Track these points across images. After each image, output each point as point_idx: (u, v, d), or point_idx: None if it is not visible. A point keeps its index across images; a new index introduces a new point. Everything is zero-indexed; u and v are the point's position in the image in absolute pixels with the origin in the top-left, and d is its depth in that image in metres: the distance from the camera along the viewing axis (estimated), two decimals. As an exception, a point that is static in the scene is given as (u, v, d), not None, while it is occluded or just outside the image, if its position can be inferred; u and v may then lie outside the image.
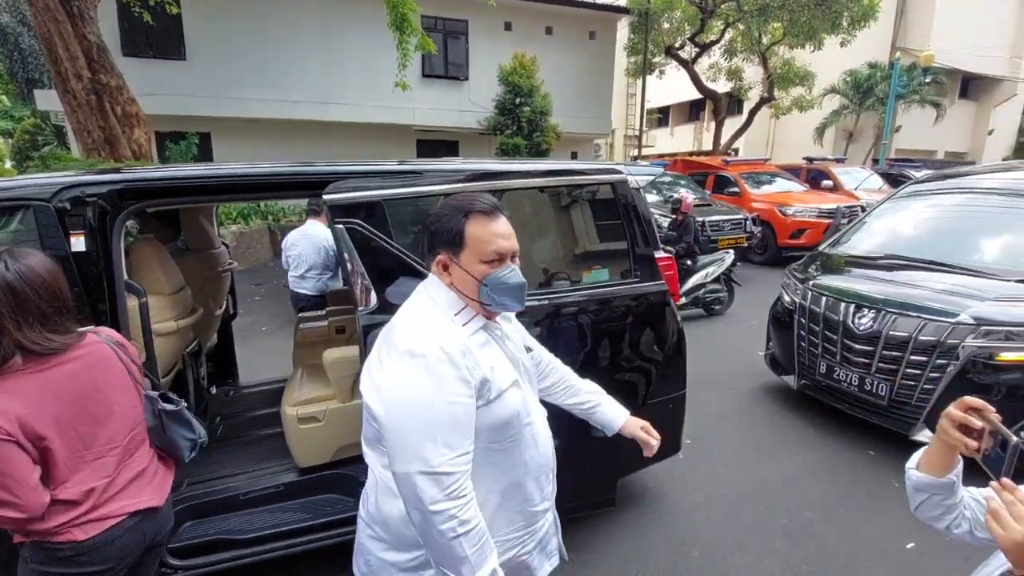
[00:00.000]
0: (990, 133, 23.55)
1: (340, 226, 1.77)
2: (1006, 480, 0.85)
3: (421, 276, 1.94)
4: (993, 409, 0.94)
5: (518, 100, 12.57)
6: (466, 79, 13.95)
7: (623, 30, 17.26)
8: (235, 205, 9.61)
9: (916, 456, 1.08)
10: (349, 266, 1.81)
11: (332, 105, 12.44)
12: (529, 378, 1.25)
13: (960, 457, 1.01)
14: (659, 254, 2.42)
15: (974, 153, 23.32)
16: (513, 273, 1.11)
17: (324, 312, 3.06)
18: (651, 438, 1.41)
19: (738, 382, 4.42)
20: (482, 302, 1.12)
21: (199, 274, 2.68)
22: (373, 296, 1.83)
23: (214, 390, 3.24)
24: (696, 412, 3.76)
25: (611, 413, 1.46)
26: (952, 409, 0.97)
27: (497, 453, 1.13)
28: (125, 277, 1.80)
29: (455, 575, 1.02)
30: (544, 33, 14.60)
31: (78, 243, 1.68)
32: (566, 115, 13.98)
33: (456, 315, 1.12)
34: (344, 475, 2.28)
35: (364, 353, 1.79)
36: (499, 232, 1.11)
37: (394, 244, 1.87)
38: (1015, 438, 0.88)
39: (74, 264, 1.67)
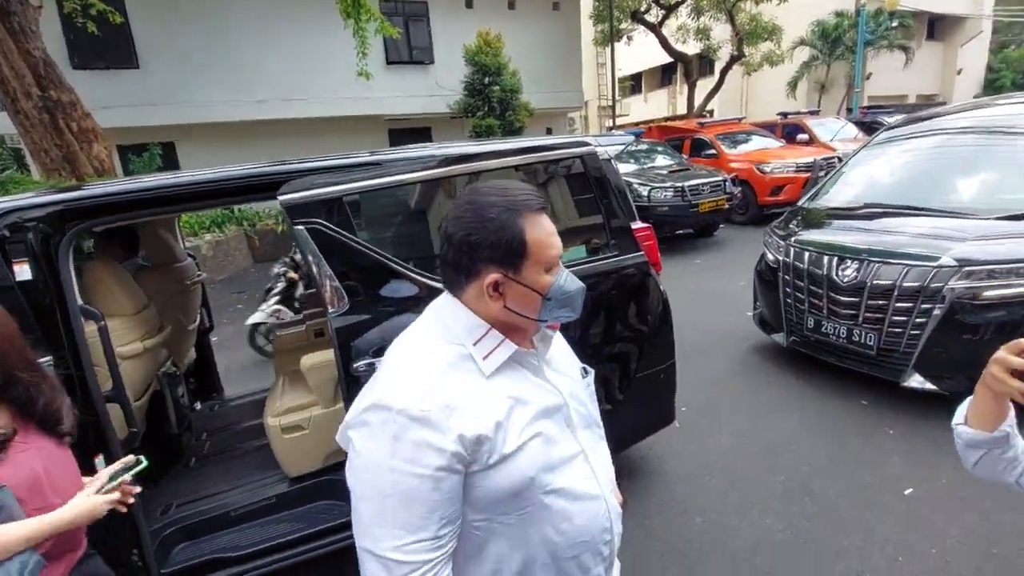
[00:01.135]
0: (959, 73, 23.66)
1: (300, 227, 1.69)
2: None
3: (393, 273, 1.90)
4: None
5: (487, 80, 12.35)
6: (432, 63, 13.66)
7: (587, -2, 16.97)
8: (206, 214, 9.40)
9: (961, 410, 0.98)
10: (315, 269, 1.73)
11: (296, 101, 12.15)
12: (580, 416, 0.96)
13: (1011, 405, 0.91)
14: (636, 225, 2.37)
15: (944, 94, 23.45)
16: (570, 276, 0.90)
17: (301, 316, 2.99)
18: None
19: (729, 344, 4.42)
20: (539, 320, 0.89)
21: (165, 290, 2.58)
22: (344, 298, 1.77)
23: (199, 406, 3.17)
24: (689, 378, 3.77)
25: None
26: (1005, 355, 0.87)
27: (505, 527, 0.86)
28: (79, 301, 1.71)
29: None
30: (507, 8, 14.32)
31: (22, 271, 1.58)
32: (537, 91, 13.77)
33: (476, 344, 0.85)
34: (337, 480, 2.23)
35: (339, 356, 1.73)
36: (553, 230, 0.88)
37: (361, 241, 1.80)
38: None
39: (21, 294, 1.58)
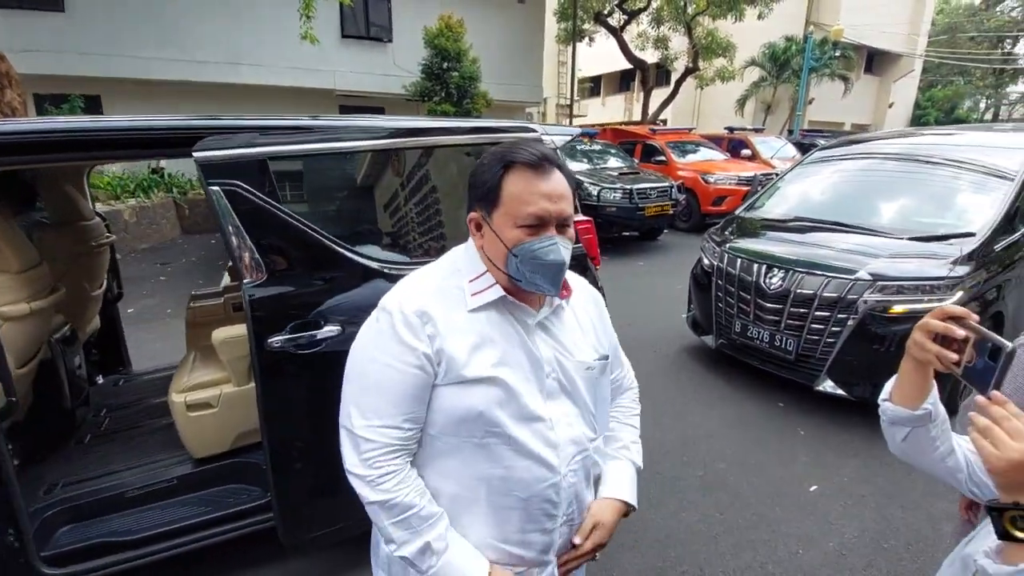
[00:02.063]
0: (890, 106, 25.44)
1: (216, 188, 1.56)
2: (996, 394, 0.74)
3: (319, 246, 1.80)
4: (976, 316, 0.84)
5: (446, 65, 12.10)
6: (390, 41, 13.26)
7: (553, -5, 16.97)
8: (131, 175, 8.74)
9: (888, 387, 0.97)
10: (232, 236, 1.60)
11: (242, 66, 11.45)
12: (559, 387, 0.98)
13: (935, 383, 0.90)
14: (577, 217, 2.36)
15: (876, 125, 25.13)
16: (552, 248, 0.89)
17: (221, 288, 2.80)
18: (584, 542, 1.04)
19: (661, 344, 4.55)
20: (511, 276, 0.92)
21: (67, 250, 2.34)
22: (261, 268, 1.64)
23: (101, 380, 2.92)
24: (621, 375, 3.85)
25: (606, 479, 1.11)
26: (929, 320, 0.86)
27: (449, 447, 0.94)
28: (-49, 252, 1.52)
29: (388, 544, 0.94)
30: (472, -6, 14.07)
31: None
32: (496, 82, 13.66)
33: (471, 281, 0.95)
34: (246, 463, 2.11)
35: (252, 330, 1.62)
36: (544, 191, 0.88)
37: (285, 209, 1.67)
38: (1008, 344, 0.76)
39: None
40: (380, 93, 13.17)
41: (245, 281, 1.62)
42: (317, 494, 1.81)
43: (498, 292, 0.94)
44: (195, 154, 1.53)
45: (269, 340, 1.62)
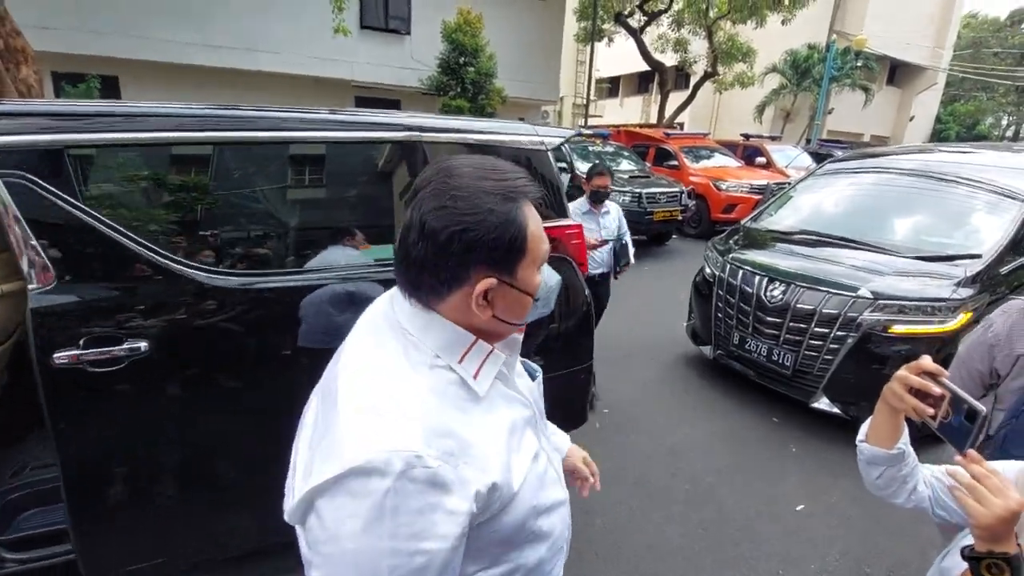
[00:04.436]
0: (911, 119, 25.01)
1: None
2: (973, 453, 0.81)
3: (120, 248, 1.49)
4: (948, 374, 0.90)
5: (463, 60, 12.06)
6: (408, 34, 13.24)
7: (573, -7, 16.86)
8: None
9: (864, 428, 1.04)
10: (14, 235, 1.40)
11: (261, 53, 11.48)
12: (539, 418, 0.87)
13: (906, 424, 0.98)
14: (565, 222, 2.31)
15: (896, 138, 24.74)
16: (548, 270, 0.78)
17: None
18: (590, 473, 1.12)
19: (660, 353, 4.48)
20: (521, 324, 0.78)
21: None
22: (50, 271, 1.44)
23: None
24: (618, 382, 3.80)
25: (555, 441, 1.11)
26: (906, 373, 0.93)
27: (505, 564, 0.77)
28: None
29: None
30: (492, -11, 14.00)
31: None
32: (513, 79, 13.59)
33: (461, 361, 0.71)
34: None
35: (35, 344, 1.42)
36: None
37: (81, 206, 1.47)
38: (984, 408, 0.83)
39: None
40: (397, 86, 13.17)
41: (30, 287, 1.43)
42: (124, 525, 1.65)
43: (499, 357, 0.75)
44: None
45: (56, 355, 1.43)
